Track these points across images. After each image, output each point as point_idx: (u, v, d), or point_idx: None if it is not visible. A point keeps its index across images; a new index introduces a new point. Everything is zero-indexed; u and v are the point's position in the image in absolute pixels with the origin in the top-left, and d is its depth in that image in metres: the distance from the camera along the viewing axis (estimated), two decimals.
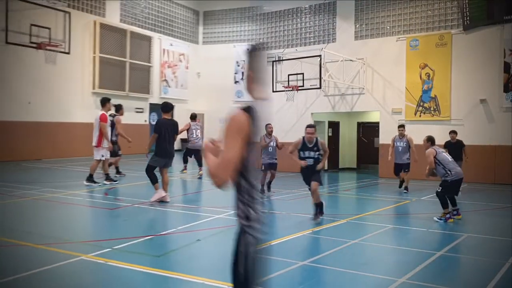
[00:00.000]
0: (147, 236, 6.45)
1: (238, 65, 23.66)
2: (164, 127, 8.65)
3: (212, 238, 6.43)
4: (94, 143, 10.67)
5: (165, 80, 22.09)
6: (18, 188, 9.88)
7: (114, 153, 11.83)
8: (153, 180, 8.63)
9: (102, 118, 10.57)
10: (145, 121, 20.60)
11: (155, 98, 21.46)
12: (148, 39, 20.71)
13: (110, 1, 19.05)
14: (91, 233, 6.75)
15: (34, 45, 13.95)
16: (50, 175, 12.55)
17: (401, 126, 12.08)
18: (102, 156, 10.67)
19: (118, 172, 12.44)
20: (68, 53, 15.23)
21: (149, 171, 8.65)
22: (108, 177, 10.87)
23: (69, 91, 16.48)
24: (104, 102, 10.84)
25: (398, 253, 6.09)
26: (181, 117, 23.24)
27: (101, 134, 10.55)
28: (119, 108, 12.28)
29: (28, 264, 5.00)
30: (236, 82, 23.74)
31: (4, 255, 5.39)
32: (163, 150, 8.60)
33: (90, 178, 10.55)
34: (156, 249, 5.85)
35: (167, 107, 8.86)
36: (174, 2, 22.75)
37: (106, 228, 6.98)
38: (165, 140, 8.61)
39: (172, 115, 9.34)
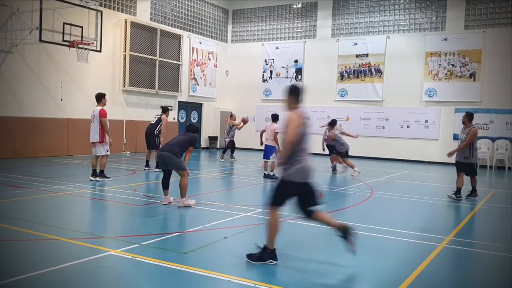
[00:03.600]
0: (174, 232, 6.48)
1: (267, 64, 23.63)
2: None
3: (239, 236, 6.42)
4: (96, 139, 10.68)
5: (194, 78, 22.26)
6: (49, 184, 10.10)
7: (157, 147, 12.80)
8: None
9: (102, 114, 10.65)
10: (174, 118, 20.81)
11: (184, 96, 21.67)
12: (178, 37, 20.89)
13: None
14: (120, 229, 6.83)
15: (66, 43, 14.22)
16: (81, 171, 12.80)
17: None
18: (107, 151, 10.84)
19: (147, 165, 13.43)
20: (99, 51, 15.48)
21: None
22: (102, 174, 10.88)
23: (100, 88, 16.71)
24: (100, 97, 10.86)
25: None
26: (209, 115, 23.50)
27: (103, 130, 10.66)
28: (166, 110, 13.67)
29: (59, 258, 5.09)
30: (264, 80, 23.71)
31: (36, 249, 5.50)
32: None
33: (102, 174, 10.81)
34: (183, 246, 5.88)
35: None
36: (204, 0, 22.87)
37: (134, 224, 7.05)
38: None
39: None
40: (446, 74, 19.67)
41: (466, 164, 10.16)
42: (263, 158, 12.86)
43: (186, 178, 8.21)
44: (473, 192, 10.37)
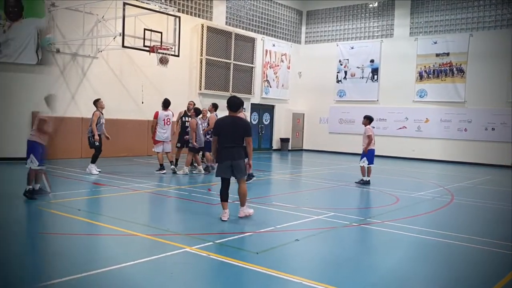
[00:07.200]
0: (246, 232, 6.55)
1: (341, 64, 23.26)
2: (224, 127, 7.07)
3: (310, 239, 6.35)
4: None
5: (267, 80, 22.42)
6: (130, 182, 10.64)
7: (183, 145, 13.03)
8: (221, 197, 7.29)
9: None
10: None
11: (257, 98, 21.89)
12: (252, 40, 21.15)
13: (217, 4, 19.78)
14: (195, 226, 7.00)
15: (147, 48, 14.85)
16: None
17: None
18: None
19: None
20: (177, 55, 16.00)
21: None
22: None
23: (177, 92, 17.41)
24: (168, 103, 12.85)
25: None
26: (281, 117, 23.56)
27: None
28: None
29: (137, 253, 5.34)
30: (338, 81, 23.36)
31: (116, 244, 5.82)
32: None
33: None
34: (255, 246, 5.92)
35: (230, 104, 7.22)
36: (278, 3, 22.98)
37: (208, 222, 7.20)
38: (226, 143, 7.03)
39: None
40: None
41: None
42: (371, 164, 11.76)
43: (245, 183, 7.38)
44: None
